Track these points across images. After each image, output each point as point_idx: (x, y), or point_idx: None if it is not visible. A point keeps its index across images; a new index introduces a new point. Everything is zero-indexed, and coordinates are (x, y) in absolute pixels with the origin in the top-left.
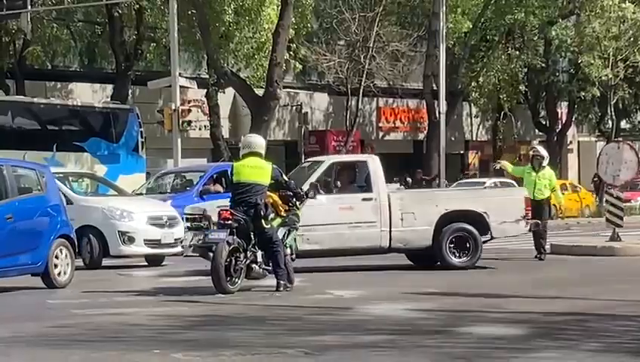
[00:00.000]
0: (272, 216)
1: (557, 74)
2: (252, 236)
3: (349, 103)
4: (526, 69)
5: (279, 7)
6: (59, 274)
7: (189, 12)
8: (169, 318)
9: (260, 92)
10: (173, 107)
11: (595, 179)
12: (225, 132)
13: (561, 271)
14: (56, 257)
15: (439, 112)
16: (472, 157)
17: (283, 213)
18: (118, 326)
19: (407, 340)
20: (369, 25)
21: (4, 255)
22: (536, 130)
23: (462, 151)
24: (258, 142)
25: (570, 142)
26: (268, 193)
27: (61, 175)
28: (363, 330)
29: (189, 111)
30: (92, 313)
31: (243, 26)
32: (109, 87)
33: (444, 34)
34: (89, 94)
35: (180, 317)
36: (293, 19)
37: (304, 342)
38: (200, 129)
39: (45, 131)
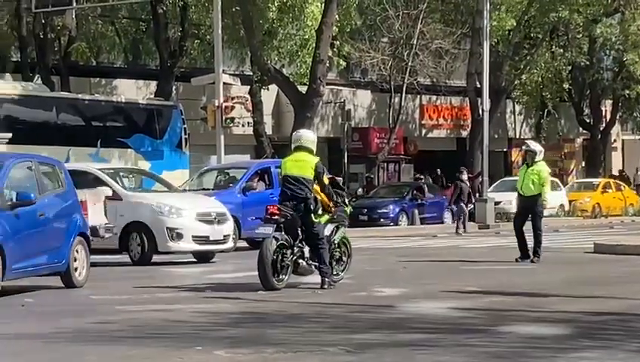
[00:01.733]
0: (320, 212)
1: (601, 72)
2: (299, 232)
3: (392, 100)
4: (570, 67)
5: (323, 4)
6: (77, 273)
7: (233, 9)
8: (212, 315)
9: (303, 89)
10: (217, 104)
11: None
12: (268, 129)
13: (603, 270)
14: (75, 256)
15: (483, 110)
16: (516, 155)
17: (332, 210)
18: (161, 323)
19: (448, 339)
20: (413, 22)
21: (37, 253)
22: (580, 128)
23: (505, 149)
24: (306, 136)
25: (615, 140)
26: (317, 191)
27: (112, 171)
28: (404, 328)
29: (233, 107)
30: (135, 309)
31: (287, 22)
32: (153, 84)
33: (488, 31)
34: (133, 91)
35: (223, 314)
36: (337, 16)
37: (345, 339)
38: (243, 126)
39: (89, 127)
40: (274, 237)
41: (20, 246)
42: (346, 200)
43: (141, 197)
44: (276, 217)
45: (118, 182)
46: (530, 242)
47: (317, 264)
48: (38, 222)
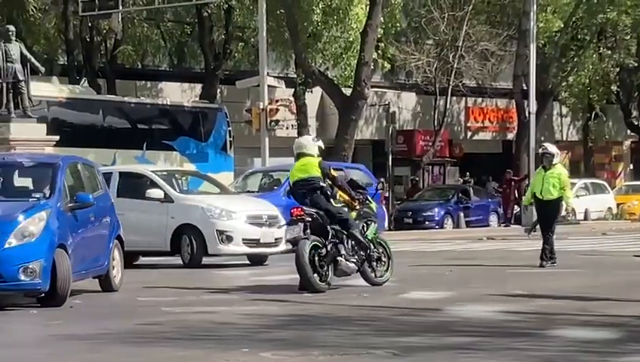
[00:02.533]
0: (345, 209)
1: None
2: (328, 229)
3: (437, 103)
4: (618, 69)
5: (368, 7)
6: (115, 276)
7: (278, 12)
8: (258, 317)
9: (347, 91)
10: (261, 106)
11: None
12: (312, 131)
13: None
14: (113, 259)
15: (529, 112)
16: (563, 158)
17: (357, 207)
18: (207, 325)
19: (494, 342)
20: (458, 24)
21: (89, 255)
22: (628, 131)
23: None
24: (306, 142)
25: None
26: (337, 191)
27: (165, 173)
28: (450, 331)
29: (277, 110)
30: (182, 311)
31: (331, 25)
32: (198, 87)
33: (535, 33)
34: (178, 93)
35: (269, 316)
36: (381, 18)
37: (391, 342)
38: (287, 128)
39: (135, 130)
40: (305, 238)
41: (78, 248)
42: (368, 197)
43: (192, 200)
44: (301, 217)
45: (172, 185)
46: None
47: (356, 254)
48: (90, 224)
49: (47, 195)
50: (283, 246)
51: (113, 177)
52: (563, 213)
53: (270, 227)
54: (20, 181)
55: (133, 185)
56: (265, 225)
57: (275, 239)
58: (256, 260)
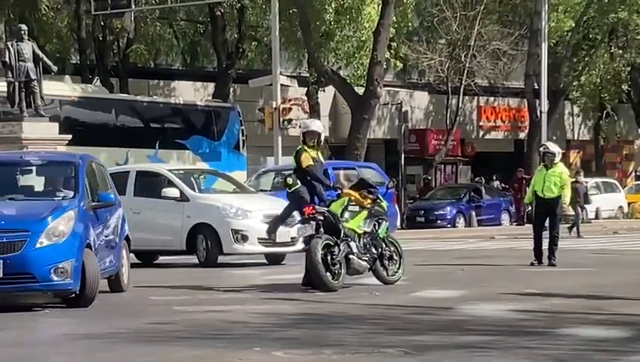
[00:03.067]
0: (356, 208)
1: None
2: (340, 227)
3: (450, 102)
4: (629, 68)
5: (380, 6)
6: (123, 275)
7: (291, 11)
8: (270, 316)
9: (360, 90)
10: (274, 105)
11: None
12: (325, 130)
13: None
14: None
15: (541, 111)
16: (574, 157)
17: (368, 205)
18: (219, 324)
19: (506, 341)
20: (470, 23)
21: (106, 255)
22: (639, 130)
23: (563, 151)
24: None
25: None
26: (347, 191)
27: (182, 172)
28: (463, 330)
29: (290, 109)
30: (193, 310)
31: (344, 24)
32: (211, 86)
33: (546, 32)
34: (191, 92)
35: (281, 315)
36: (394, 17)
37: (403, 341)
38: (300, 127)
39: (148, 129)
40: (318, 236)
41: (100, 248)
42: (379, 195)
43: (207, 199)
44: (313, 216)
45: (189, 184)
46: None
47: (368, 252)
48: (107, 223)
49: (72, 194)
50: (300, 245)
51: (130, 176)
52: (559, 210)
53: (286, 226)
54: (38, 180)
55: (150, 184)
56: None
57: (292, 238)
58: (273, 259)
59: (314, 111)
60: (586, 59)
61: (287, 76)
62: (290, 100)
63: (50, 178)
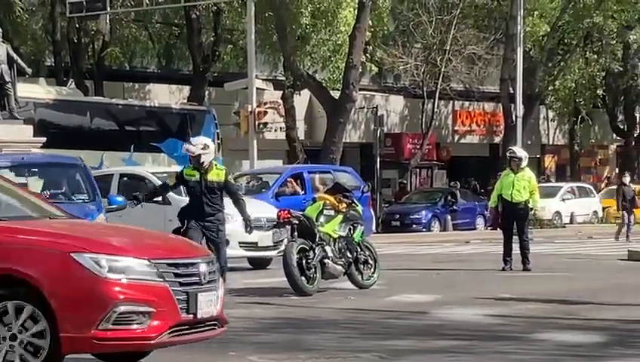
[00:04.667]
0: (332, 212)
1: (635, 78)
2: (315, 231)
3: (425, 106)
4: (604, 73)
5: (356, 10)
6: None
7: (267, 14)
8: (245, 320)
9: (335, 94)
10: (250, 109)
11: None
12: (301, 134)
13: (637, 277)
14: None
15: (516, 116)
16: (549, 162)
17: (343, 209)
18: None
19: (482, 346)
20: (446, 28)
21: None
22: (614, 135)
23: (538, 155)
24: None
25: None
26: (323, 195)
27: (165, 174)
28: (438, 335)
29: (265, 113)
30: None
31: (320, 28)
32: (186, 89)
33: (522, 37)
34: (166, 95)
35: (256, 319)
36: (369, 21)
37: (379, 346)
38: (276, 131)
39: (123, 132)
40: (293, 240)
41: None
42: (354, 200)
43: None
44: (288, 220)
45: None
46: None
47: (343, 256)
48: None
49: (88, 197)
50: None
51: (114, 178)
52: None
53: (269, 230)
54: (39, 182)
55: (133, 187)
56: (263, 228)
57: (275, 243)
58: (257, 263)
59: (289, 115)
60: (562, 64)
61: (263, 80)
62: (265, 104)
63: (54, 180)
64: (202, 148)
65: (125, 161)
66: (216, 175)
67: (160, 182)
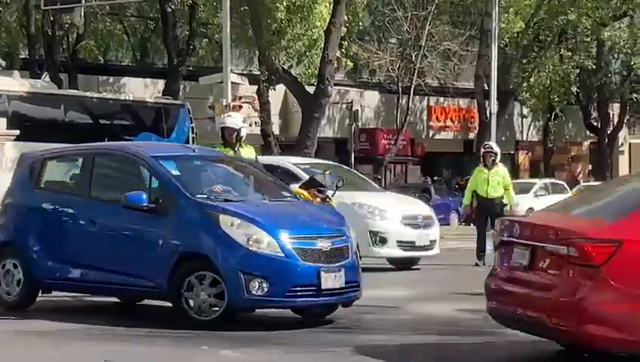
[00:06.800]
0: None
1: (609, 75)
2: None
3: (400, 102)
4: (578, 70)
5: (331, 5)
6: None
7: (242, 8)
8: None
9: (311, 89)
10: (225, 103)
11: None
12: (275, 128)
13: None
14: None
15: (490, 112)
16: (523, 158)
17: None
18: (167, 322)
19: (456, 341)
20: (421, 23)
21: None
22: (587, 132)
23: (512, 152)
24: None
25: (622, 143)
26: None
27: (307, 165)
28: (411, 330)
29: (240, 107)
30: (145, 308)
31: (295, 23)
32: (161, 82)
33: (497, 33)
34: (141, 89)
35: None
36: (345, 16)
37: (351, 340)
38: (250, 125)
39: (97, 125)
40: None
41: None
42: (328, 195)
43: (339, 196)
44: None
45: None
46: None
47: None
48: None
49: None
50: (437, 250)
51: None
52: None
53: (425, 228)
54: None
55: None
56: (420, 226)
57: (430, 241)
58: (402, 264)
59: (264, 110)
60: (536, 60)
61: (238, 74)
62: (240, 98)
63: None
64: (243, 122)
65: None
66: (247, 153)
67: (303, 174)
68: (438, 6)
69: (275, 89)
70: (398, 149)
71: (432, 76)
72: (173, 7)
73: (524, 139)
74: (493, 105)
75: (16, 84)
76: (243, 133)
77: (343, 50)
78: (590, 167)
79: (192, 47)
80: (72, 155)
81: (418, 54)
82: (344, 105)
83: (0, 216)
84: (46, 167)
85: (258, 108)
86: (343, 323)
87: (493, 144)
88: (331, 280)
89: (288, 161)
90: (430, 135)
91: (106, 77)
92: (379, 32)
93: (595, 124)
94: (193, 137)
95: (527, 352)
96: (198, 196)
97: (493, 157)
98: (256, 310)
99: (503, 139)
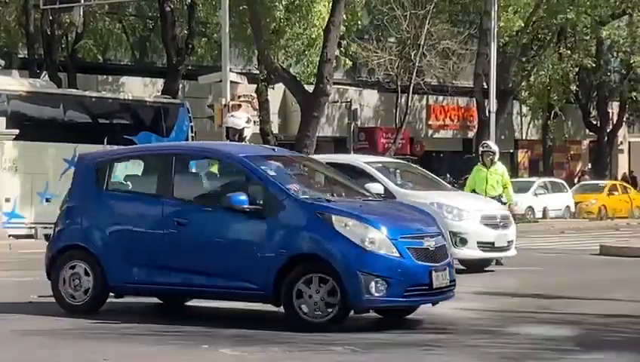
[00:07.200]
0: None
1: (608, 74)
2: None
3: (399, 100)
4: (577, 69)
5: (330, 4)
6: None
7: (241, 7)
8: (218, 314)
9: (310, 88)
10: (224, 102)
11: None
12: (274, 127)
13: (610, 272)
14: None
15: (489, 111)
16: (522, 157)
17: None
18: (167, 321)
19: (454, 339)
20: (420, 22)
21: None
22: (587, 130)
23: (511, 150)
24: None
25: (621, 142)
26: None
27: (379, 164)
28: (411, 328)
29: (239, 106)
30: (144, 307)
31: (294, 22)
32: (160, 82)
33: (496, 32)
34: (140, 88)
35: (229, 313)
36: (344, 15)
37: (351, 339)
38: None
39: (96, 124)
40: None
41: None
42: None
43: (417, 196)
44: None
45: (389, 178)
46: None
47: None
48: None
49: None
50: (514, 251)
51: None
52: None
53: (504, 229)
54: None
55: None
56: (499, 227)
57: (508, 242)
58: (475, 266)
59: (263, 109)
60: (535, 59)
61: (237, 73)
62: (239, 97)
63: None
64: (246, 122)
65: None
66: None
67: (377, 173)
68: (437, 5)
69: (274, 88)
70: (397, 148)
71: (431, 75)
72: (172, 6)
73: (524, 137)
74: (493, 104)
75: (15, 83)
76: (247, 133)
77: (341, 49)
78: (590, 165)
79: (191, 46)
80: (146, 156)
81: (417, 53)
82: (343, 104)
83: (60, 220)
84: (114, 168)
85: (257, 107)
86: (344, 322)
87: (491, 143)
88: (440, 278)
89: (360, 160)
90: (429, 134)
91: (105, 76)
92: (378, 31)
93: (595, 122)
94: (192, 136)
95: (527, 350)
96: (302, 197)
97: (491, 156)
98: (257, 307)
99: (502, 137)
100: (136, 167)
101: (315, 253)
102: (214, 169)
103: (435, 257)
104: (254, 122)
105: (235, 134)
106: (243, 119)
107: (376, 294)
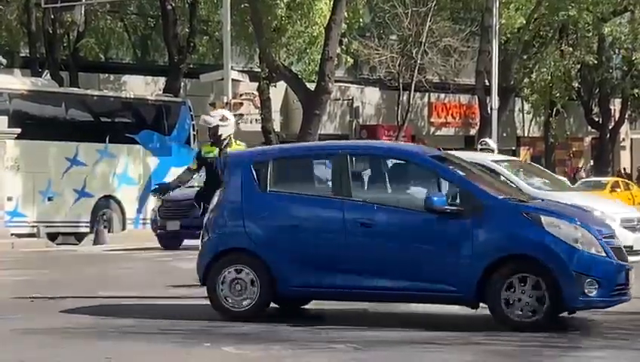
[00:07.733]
0: None
1: (610, 71)
2: None
3: (401, 98)
4: (579, 66)
5: (332, 2)
6: None
7: (242, 5)
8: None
9: (311, 86)
10: (225, 100)
11: None
12: (276, 125)
13: None
14: None
15: (491, 108)
16: (524, 154)
17: None
18: (169, 319)
19: (455, 336)
20: (422, 20)
21: None
22: (589, 127)
23: (514, 148)
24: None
25: (623, 139)
26: None
27: (506, 163)
28: (413, 326)
29: (241, 104)
30: (147, 305)
31: (295, 20)
32: (162, 80)
33: (498, 29)
34: (141, 87)
35: None
36: (345, 13)
37: (353, 336)
38: (251, 122)
39: (98, 123)
40: None
41: None
42: None
43: (551, 196)
44: None
45: (519, 178)
46: None
47: None
48: None
49: None
50: None
51: None
52: None
53: (636, 231)
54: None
55: None
56: (637, 230)
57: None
58: None
59: (265, 107)
60: (537, 56)
61: (239, 71)
62: (241, 95)
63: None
64: (220, 120)
65: (100, 153)
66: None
67: (507, 172)
68: (438, 2)
69: (275, 86)
70: None
71: (433, 72)
72: (173, 4)
73: (526, 135)
74: (494, 101)
75: (17, 82)
76: (222, 131)
77: (343, 46)
78: (592, 162)
79: (192, 44)
80: (315, 155)
81: (419, 51)
82: (345, 102)
83: (216, 222)
84: (275, 168)
85: (259, 105)
86: (344, 320)
87: (490, 140)
88: (632, 277)
89: (488, 159)
90: (431, 131)
91: (106, 75)
92: (379, 29)
93: (597, 119)
94: (194, 134)
95: (529, 347)
96: (501, 197)
97: (490, 153)
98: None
99: (504, 135)
100: (300, 167)
101: (525, 253)
102: (391, 169)
103: (625, 256)
104: (256, 120)
105: (210, 133)
106: (217, 117)
107: (591, 294)
